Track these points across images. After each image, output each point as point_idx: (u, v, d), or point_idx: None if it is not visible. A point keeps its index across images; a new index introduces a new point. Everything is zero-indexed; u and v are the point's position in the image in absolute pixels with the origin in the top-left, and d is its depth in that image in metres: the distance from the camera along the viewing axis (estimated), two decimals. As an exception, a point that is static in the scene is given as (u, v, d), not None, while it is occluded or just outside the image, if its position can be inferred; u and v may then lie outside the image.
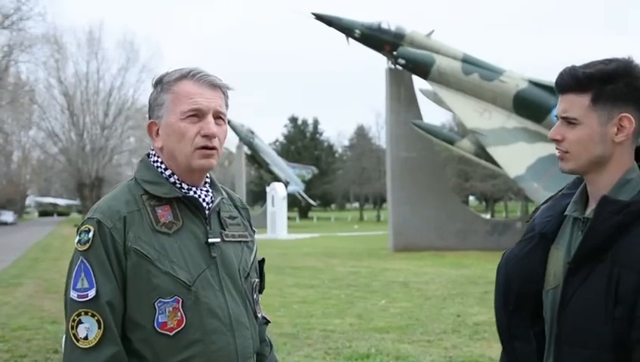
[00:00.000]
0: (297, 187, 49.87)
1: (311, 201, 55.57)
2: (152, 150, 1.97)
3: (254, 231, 2.11)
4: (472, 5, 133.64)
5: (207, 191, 1.97)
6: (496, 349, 7.26)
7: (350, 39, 23.44)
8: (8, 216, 57.49)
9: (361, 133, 69.96)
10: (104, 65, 55.96)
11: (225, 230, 1.95)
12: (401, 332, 8.28)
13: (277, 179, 45.00)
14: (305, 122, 75.87)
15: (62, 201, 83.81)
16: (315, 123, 76.01)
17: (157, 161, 1.94)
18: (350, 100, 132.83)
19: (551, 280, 1.78)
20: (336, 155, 77.06)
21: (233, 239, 1.97)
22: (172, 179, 1.92)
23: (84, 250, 1.80)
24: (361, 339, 7.84)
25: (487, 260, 18.58)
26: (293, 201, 52.39)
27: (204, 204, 1.93)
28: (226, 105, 1.96)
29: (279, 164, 49.61)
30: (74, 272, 1.80)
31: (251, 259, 2.02)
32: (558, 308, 1.72)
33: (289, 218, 41.53)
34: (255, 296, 2.02)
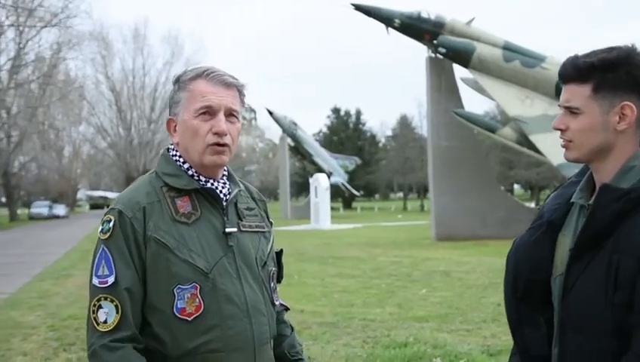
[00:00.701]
0: (340, 178, 49.89)
1: (354, 192, 55.55)
2: (172, 145, 2.05)
3: (272, 223, 2.18)
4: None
5: (224, 183, 2.05)
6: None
7: (390, 29, 23.36)
8: (61, 210, 58.95)
9: (403, 123, 69.58)
10: (149, 60, 57.18)
11: (242, 220, 2.03)
12: (440, 321, 8.27)
13: (320, 170, 45.11)
14: (347, 113, 75.77)
15: (111, 194, 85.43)
16: (358, 113, 75.86)
17: (176, 155, 2.02)
18: (392, 90, 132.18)
19: (558, 266, 1.80)
20: (379, 145, 76.80)
21: (250, 229, 2.04)
22: (190, 172, 2.00)
23: (106, 239, 1.89)
24: (400, 328, 7.86)
25: (530, 249, 18.34)
26: (336, 192, 52.48)
27: (222, 196, 2.01)
28: (242, 103, 2.03)
29: (322, 155, 49.69)
30: (96, 259, 1.90)
31: (268, 249, 2.09)
32: (561, 294, 1.75)
33: (333, 208, 41.67)
34: (272, 284, 2.09)
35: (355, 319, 8.46)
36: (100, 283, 1.86)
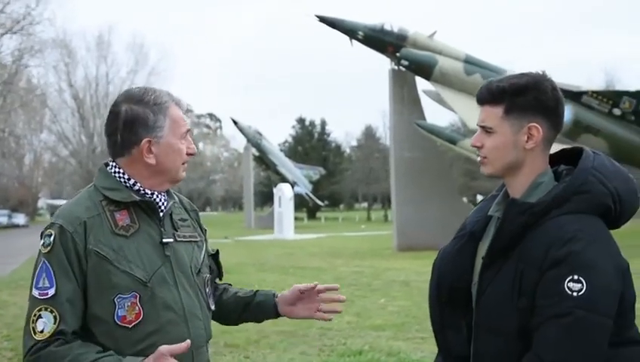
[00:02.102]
0: (305, 188, 50.03)
1: (318, 202, 55.70)
2: (112, 162, 2.14)
3: (205, 231, 2.31)
4: (476, 6, 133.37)
5: (164, 196, 2.17)
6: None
7: (354, 41, 23.62)
8: (20, 219, 57.97)
9: (368, 134, 70.06)
10: (114, 68, 56.50)
11: (177, 231, 2.15)
12: (396, 330, 8.41)
13: (284, 180, 45.19)
14: (312, 123, 75.96)
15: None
16: (323, 124, 76.09)
17: (118, 172, 2.12)
18: (357, 101, 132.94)
19: (476, 274, 1.96)
20: (344, 156, 77.10)
21: (184, 239, 2.16)
22: (136, 187, 2.11)
23: (47, 253, 1.98)
24: (357, 337, 7.98)
25: (489, 259, 18.64)
26: (301, 202, 52.56)
27: (162, 207, 2.12)
28: None
29: (287, 165, 49.78)
30: (37, 272, 1.98)
31: (201, 257, 2.23)
32: (476, 299, 1.91)
33: (297, 218, 41.72)
34: (208, 290, 2.22)
35: (312, 328, 8.55)
36: (40, 294, 1.95)
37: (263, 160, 49.01)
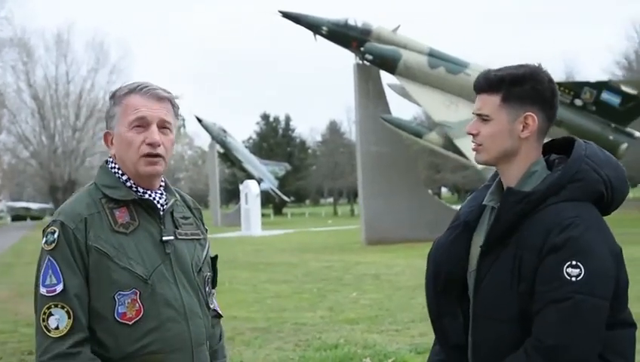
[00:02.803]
0: (271, 184, 49.89)
1: (284, 198, 55.63)
2: (110, 158, 2.14)
3: (207, 230, 2.29)
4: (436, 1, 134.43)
5: (161, 193, 2.14)
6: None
7: (318, 36, 23.61)
8: (-20, 222, 56.75)
9: (333, 129, 70.14)
10: (74, 67, 55.42)
11: (178, 229, 2.13)
12: (370, 323, 8.45)
13: (250, 176, 45.00)
14: (277, 119, 75.86)
15: (35, 205, 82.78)
16: (287, 120, 76.06)
17: (115, 168, 2.11)
18: (321, 96, 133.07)
19: (473, 263, 2.00)
20: (309, 151, 77.15)
21: (186, 237, 2.15)
22: (129, 184, 2.09)
23: (51, 249, 1.97)
24: (331, 331, 8.00)
25: (457, 250, 18.83)
26: (267, 198, 52.46)
27: (159, 206, 2.10)
28: (176, 116, 2.14)
29: (252, 162, 49.59)
30: (42, 270, 1.97)
31: (203, 255, 2.21)
32: (474, 287, 1.94)
33: (263, 215, 41.60)
34: (207, 289, 2.20)
35: (287, 323, 8.56)
36: (48, 291, 1.94)
37: (228, 157, 48.72)
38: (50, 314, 1.91)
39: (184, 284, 2.07)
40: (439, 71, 22.10)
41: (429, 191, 33.11)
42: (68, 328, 1.90)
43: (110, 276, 1.96)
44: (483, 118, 1.95)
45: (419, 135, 23.72)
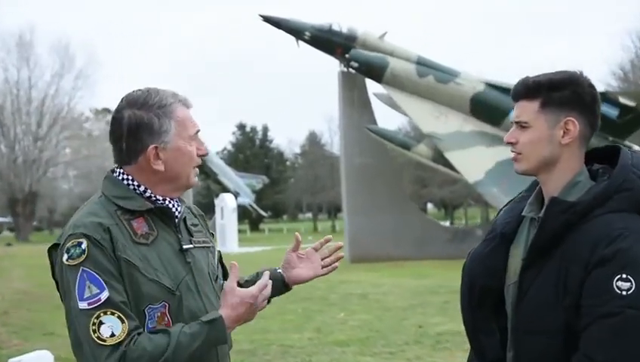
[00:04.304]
0: (248, 198, 49.80)
1: (262, 212, 55.54)
2: (119, 168, 2.13)
3: (213, 235, 2.34)
4: (427, 6, 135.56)
5: (176, 201, 2.18)
6: (459, 359, 7.51)
7: (300, 42, 23.69)
8: None
9: (312, 140, 70.29)
10: (37, 71, 54.96)
11: (192, 237, 2.18)
12: (361, 345, 8.47)
13: (226, 189, 44.88)
14: (254, 129, 75.87)
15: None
16: (265, 130, 76.09)
17: (127, 179, 2.11)
18: (301, 106, 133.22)
19: (511, 276, 2.04)
20: (288, 163, 77.21)
21: (200, 245, 2.19)
22: (147, 194, 2.10)
23: (82, 261, 1.93)
24: (321, 354, 8.00)
25: (447, 268, 18.93)
26: (243, 213, 52.29)
27: (176, 214, 2.14)
28: None
29: (228, 174, 49.48)
30: (75, 286, 1.92)
31: (216, 262, 2.27)
32: (515, 301, 1.98)
33: (239, 231, 41.46)
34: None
35: (272, 345, 8.55)
36: (90, 304, 1.90)
37: (202, 168, 48.55)
38: (101, 323, 1.88)
39: (206, 294, 2.11)
40: (428, 80, 22.24)
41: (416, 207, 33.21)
42: (125, 333, 1.88)
43: (140, 289, 1.96)
44: (522, 125, 2.00)
45: (407, 147, 23.86)
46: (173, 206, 2.13)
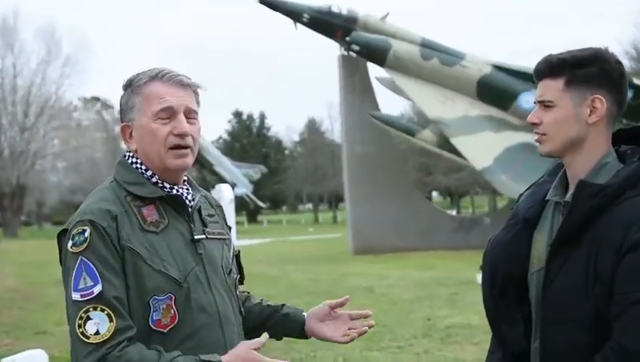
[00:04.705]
0: (245, 188, 49.81)
1: (260, 203, 55.57)
2: (129, 152, 2.15)
3: (230, 228, 2.32)
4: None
5: (187, 189, 2.16)
6: (470, 352, 7.53)
7: (298, 25, 23.63)
8: None
9: (312, 127, 70.25)
10: (22, 58, 54.78)
11: (206, 227, 2.15)
12: (368, 340, 8.46)
13: (222, 180, 44.86)
14: (250, 117, 75.88)
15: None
16: (262, 117, 76.14)
17: (136, 163, 2.12)
18: (299, 92, 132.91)
19: (535, 263, 2.02)
20: (286, 152, 77.25)
21: (214, 236, 2.17)
22: (154, 179, 2.10)
23: (83, 250, 1.94)
24: (327, 349, 8.00)
25: (454, 259, 19.00)
26: (240, 204, 52.31)
27: (187, 202, 2.12)
28: (198, 104, 2.15)
29: (224, 164, 49.45)
30: (73, 274, 1.94)
31: (231, 256, 2.24)
32: (542, 289, 1.96)
33: (237, 223, 41.52)
34: (237, 292, 2.24)
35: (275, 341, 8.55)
36: (82, 296, 1.91)
37: (196, 159, 48.45)
38: (88, 319, 1.88)
39: (217, 288, 2.09)
40: (433, 63, 22.20)
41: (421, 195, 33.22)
42: (111, 332, 1.88)
43: (144, 279, 1.96)
44: (545, 104, 1.98)
45: (411, 133, 23.86)
46: (182, 194, 2.12)
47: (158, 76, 2.08)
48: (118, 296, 1.92)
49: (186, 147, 2.07)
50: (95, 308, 1.89)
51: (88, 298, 1.90)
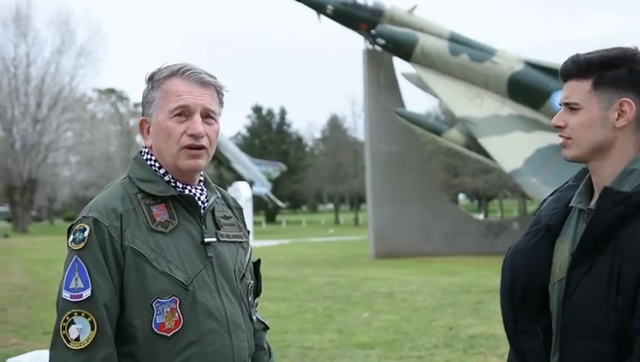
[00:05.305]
0: (264, 187, 49.94)
1: (279, 203, 55.69)
2: (145, 148, 2.18)
3: (249, 232, 2.32)
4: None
5: (201, 190, 2.17)
6: (493, 364, 7.51)
7: (322, 17, 23.63)
8: None
9: (334, 124, 70.23)
10: (35, 48, 55.27)
11: (220, 230, 2.16)
12: (387, 348, 8.48)
13: (240, 178, 45.02)
14: (270, 112, 76.04)
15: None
16: (282, 113, 76.26)
17: (150, 159, 2.15)
18: (322, 87, 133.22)
19: (557, 272, 2.01)
20: (307, 150, 77.32)
21: (228, 239, 2.18)
22: (167, 178, 2.12)
23: (80, 249, 1.99)
24: (344, 357, 8.02)
25: (480, 266, 18.91)
26: (258, 203, 52.48)
27: (200, 203, 2.13)
28: (221, 103, 2.17)
29: (242, 161, 49.60)
30: (67, 271, 1.99)
31: (246, 260, 2.24)
32: (562, 300, 1.95)
33: (254, 223, 41.64)
34: (250, 299, 2.23)
35: (291, 347, 8.58)
36: (72, 297, 1.96)
37: (214, 155, 48.71)
38: (72, 323, 1.93)
39: (227, 292, 2.10)
40: (462, 58, 22.11)
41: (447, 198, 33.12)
42: (90, 341, 1.92)
43: (148, 281, 1.98)
44: (571, 107, 1.97)
45: (437, 132, 23.74)
46: (195, 194, 2.14)
47: (179, 72, 2.10)
48: (107, 304, 1.96)
49: (199, 148, 2.08)
50: (80, 313, 1.94)
51: (76, 300, 1.95)
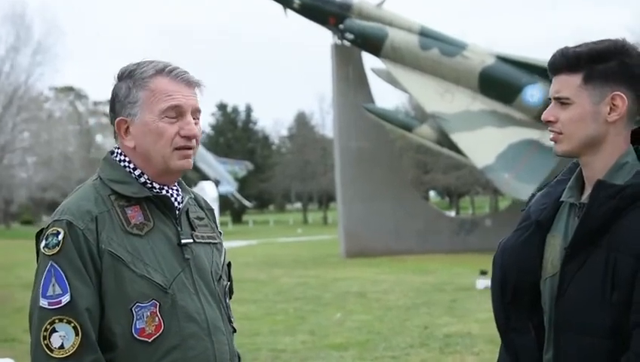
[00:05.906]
0: (230, 186, 49.84)
1: (246, 202, 55.63)
2: (117, 148, 2.15)
3: (221, 233, 2.31)
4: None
5: (177, 190, 2.17)
6: (470, 363, 7.58)
7: (289, 11, 23.59)
8: None
9: (301, 121, 70.17)
10: (-13, 44, 54.44)
11: (195, 231, 2.16)
12: (361, 349, 8.52)
13: (205, 177, 44.86)
14: (236, 110, 75.74)
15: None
16: (248, 110, 75.98)
17: (124, 160, 2.12)
18: (288, 83, 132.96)
19: (548, 268, 2.02)
20: (274, 148, 77.17)
21: (203, 241, 2.17)
22: (142, 179, 2.10)
23: (54, 254, 1.95)
24: (317, 358, 8.04)
25: (453, 263, 19.05)
26: (224, 203, 52.31)
27: (176, 204, 2.12)
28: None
29: (207, 160, 49.45)
30: (42, 279, 1.95)
31: (221, 262, 2.24)
32: (555, 295, 1.96)
33: (221, 223, 41.48)
34: (227, 301, 2.23)
35: (262, 350, 8.58)
36: (50, 304, 1.92)
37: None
38: (54, 331, 1.90)
39: (205, 295, 2.09)
40: (432, 53, 22.21)
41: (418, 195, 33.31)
42: (75, 347, 1.89)
43: (126, 285, 1.96)
44: (562, 101, 1.98)
45: (408, 128, 23.84)
46: (172, 195, 2.13)
47: (165, 71, 2.09)
48: (89, 308, 1.93)
49: (190, 148, 2.09)
50: (61, 320, 1.91)
51: (55, 307, 1.92)
